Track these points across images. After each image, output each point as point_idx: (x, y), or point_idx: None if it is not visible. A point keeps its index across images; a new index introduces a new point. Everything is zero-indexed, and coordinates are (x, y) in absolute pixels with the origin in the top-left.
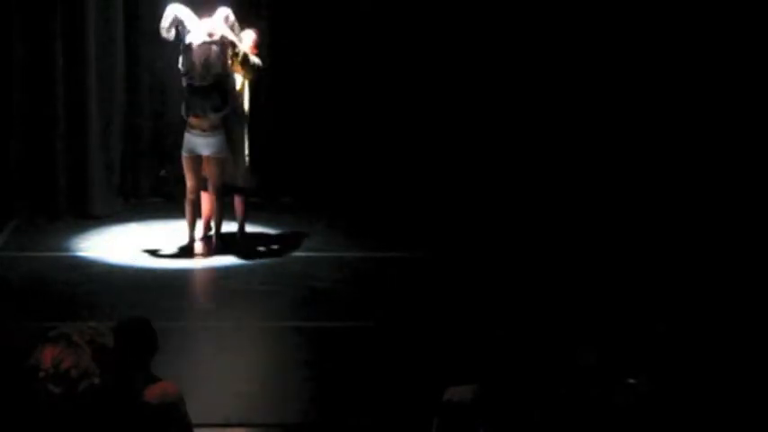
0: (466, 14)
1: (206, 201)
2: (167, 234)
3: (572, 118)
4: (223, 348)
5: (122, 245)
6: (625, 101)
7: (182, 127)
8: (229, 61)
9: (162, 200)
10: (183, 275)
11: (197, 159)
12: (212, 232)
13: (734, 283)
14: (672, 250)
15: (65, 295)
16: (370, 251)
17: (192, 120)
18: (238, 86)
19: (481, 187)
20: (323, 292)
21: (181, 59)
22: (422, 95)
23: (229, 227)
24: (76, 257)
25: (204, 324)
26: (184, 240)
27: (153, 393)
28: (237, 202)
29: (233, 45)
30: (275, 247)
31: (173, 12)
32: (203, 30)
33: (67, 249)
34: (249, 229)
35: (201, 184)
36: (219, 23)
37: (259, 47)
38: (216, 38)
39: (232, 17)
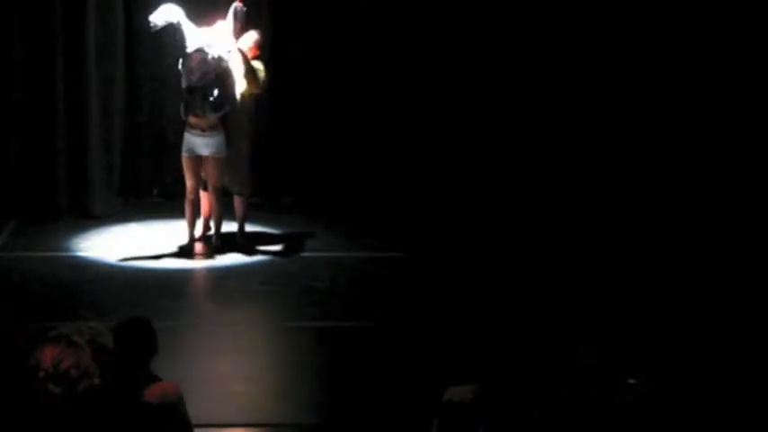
0: (465, 15)
1: (205, 200)
2: (167, 234)
3: (572, 118)
4: (223, 348)
5: (122, 245)
6: (624, 101)
7: (182, 126)
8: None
9: (162, 200)
10: (183, 275)
11: (197, 159)
12: (211, 232)
13: (734, 284)
14: (672, 250)
15: (65, 295)
16: (370, 251)
17: (192, 119)
18: (240, 90)
19: (482, 187)
20: (323, 292)
21: (180, 61)
22: (422, 95)
23: (229, 227)
24: (76, 257)
25: (204, 324)
26: (184, 240)
27: (153, 393)
28: (237, 202)
29: (250, 70)
30: (275, 247)
31: (168, 11)
32: (203, 37)
33: (67, 249)
34: (249, 229)
35: (201, 184)
36: (232, 45)
37: (261, 48)
38: (215, 53)
39: (255, 39)
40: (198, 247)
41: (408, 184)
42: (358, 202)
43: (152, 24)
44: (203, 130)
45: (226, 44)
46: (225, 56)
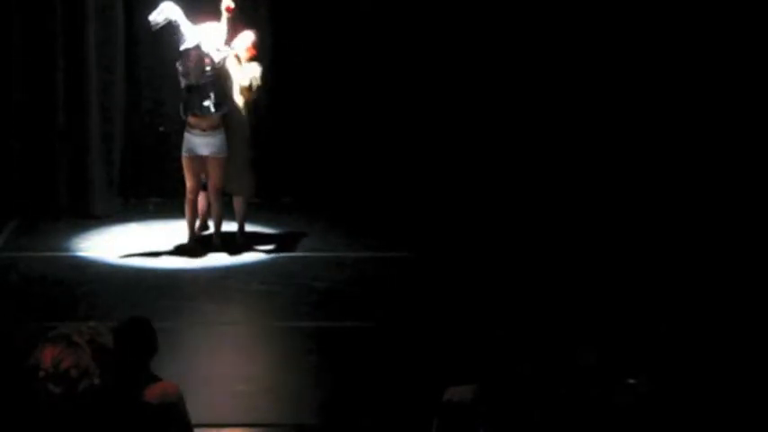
0: (465, 15)
1: (202, 200)
2: (167, 234)
3: (572, 118)
4: (223, 348)
5: (122, 245)
6: (624, 101)
7: (181, 126)
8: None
9: (162, 200)
10: (183, 275)
11: (197, 159)
12: (208, 231)
13: (734, 284)
14: (672, 250)
15: (65, 295)
16: (370, 251)
17: (192, 119)
18: (237, 92)
19: (482, 187)
20: (323, 292)
21: (179, 61)
22: (422, 95)
23: (229, 227)
24: (76, 257)
25: (204, 324)
26: (184, 240)
27: (153, 393)
28: (237, 202)
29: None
30: (275, 247)
31: (167, 9)
32: (201, 35)
33: (67, 249)
34: (249, 229)
35: (201, 184)
36: (224, 48)
37: (257, 48)
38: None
39: (252, 39)
40: (197, 246)
41: (408, 183)
42: (358, 202)
43: (152, 23)
44: (203, 130)
45: (223, 44)
46: (223, 54)
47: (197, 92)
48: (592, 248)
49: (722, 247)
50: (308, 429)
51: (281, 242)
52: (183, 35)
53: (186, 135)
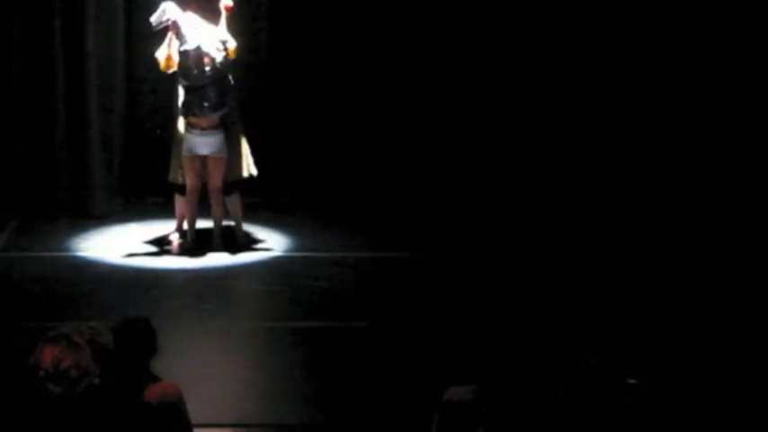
0: (464, 15)
1: (185, 203)
2: (167, 234)
3: (570, 118)
4: (223, 348)
5: (122, 245)
6: (624, 101)
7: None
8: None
9: (162, 200)
10: (183, 275)
11: (197, 159)
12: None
13: (732, 283)
14: (670, 250)
15: (65, 295)
16: (370, 251)
17: (191, 119)
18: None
19: (481, 187)
20: (323, 292)
21: (178, 60)
22: (421, 95)
23: (229, 227)
24: (76, 257)
25: (204, 324)
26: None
27: (153, 393)
28: (234, 201)
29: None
30: (275, 247)
31: (167, 10)
32: (200, 35)
33: (67, 249)
34: (249, 229)
35: (201, 184)
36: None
37: (235, 3)
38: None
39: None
40: (178, 242)
41: (408, 183)
42: (358, 202)
43: (153, 24)
44: (203, 129)
45: (221, 39)
46: (222, 54)
47: (197, 92)
48: (590, 249)
49: (720, 247)
50: (308, 429)
51: (281, 242)
52: (182, 35)
53: (186, 135)
